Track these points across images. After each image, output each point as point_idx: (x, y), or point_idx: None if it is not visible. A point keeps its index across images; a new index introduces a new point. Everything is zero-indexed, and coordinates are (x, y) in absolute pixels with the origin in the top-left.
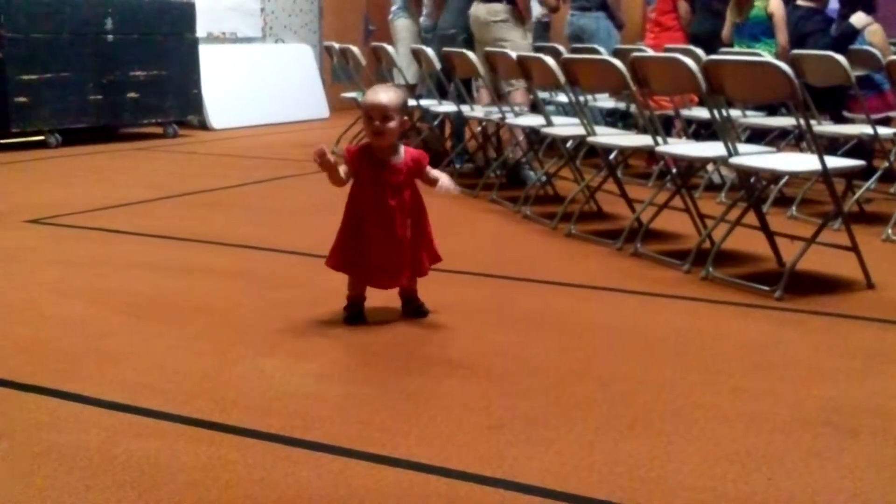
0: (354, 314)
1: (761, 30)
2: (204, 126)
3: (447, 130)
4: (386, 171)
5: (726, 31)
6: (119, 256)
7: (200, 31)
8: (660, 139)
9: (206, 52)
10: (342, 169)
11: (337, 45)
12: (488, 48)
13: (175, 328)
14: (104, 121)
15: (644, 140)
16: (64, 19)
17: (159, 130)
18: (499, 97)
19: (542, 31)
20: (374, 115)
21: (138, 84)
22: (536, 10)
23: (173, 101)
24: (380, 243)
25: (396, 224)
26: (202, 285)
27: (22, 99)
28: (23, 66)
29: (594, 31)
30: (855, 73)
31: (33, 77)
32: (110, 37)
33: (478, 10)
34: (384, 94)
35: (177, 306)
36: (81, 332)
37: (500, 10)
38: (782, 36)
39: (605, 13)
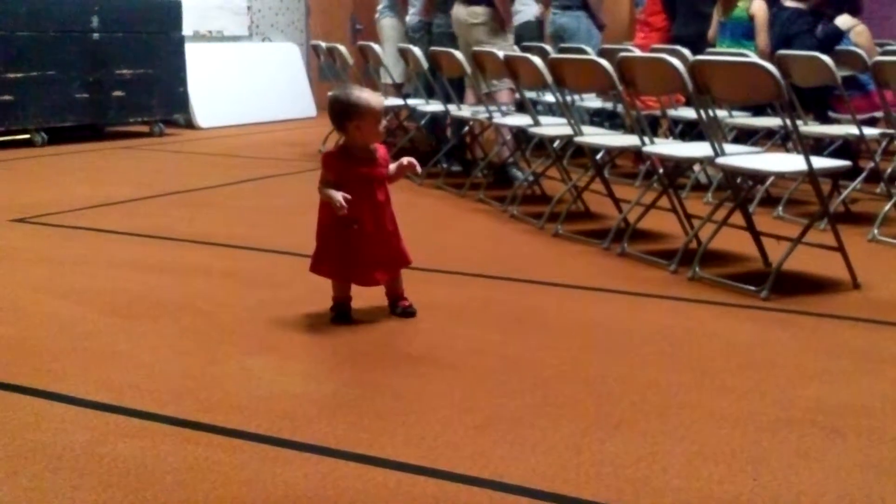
0: (341, 314)
1: (742, 31)
2: (190, 125)
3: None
4: (373, 166)
5: (712, 31)
6: (105, 256)
7: (187, 30)
8: (646, 139)
9: (192, 51)
10: (330, 191)
11: (324, 44)
12: (475, 48)
13: (161, 328)
14: (90, 119)
15: (631, 140)
16: (50, 17)
17: (145, 129)
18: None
19: (538, 29)
20: (381, 117)
21: (124, 82)
22: (533, 9)
23: (159, 99)
24: (372, 239)
25: (386, 217)
26: (188, 285)
27: (7, 97)
28: (8, 64)
29: (574, 30)
30: (841, 74)
31: (19, 75)
32: (96, 35)
33: (459, 12)
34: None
35: (163, 306)
36: (67, 332)
37: (480, 13)
38: (762, 38)
39: (585, 12)
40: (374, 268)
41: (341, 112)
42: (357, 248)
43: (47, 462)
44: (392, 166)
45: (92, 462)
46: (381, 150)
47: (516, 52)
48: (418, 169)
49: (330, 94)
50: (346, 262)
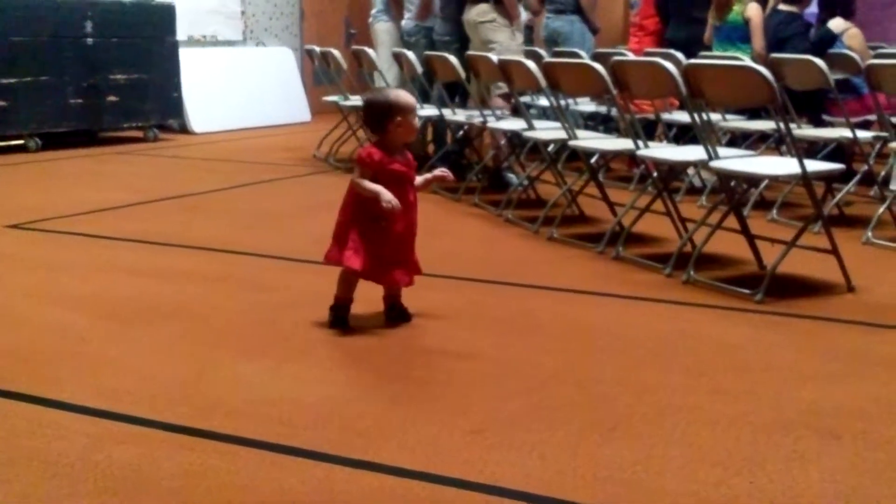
0: (340, 318)
1: (738, 34)
2: (184, 130)
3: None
4: (407, 167)
5: (707, 34)
6: (99, 261)
7: (181, 35)
8: (641, 143)
9: (186, 56)
10: (374, 185)
11: (318, 49)
12: (469, 52)
13: (156, 333)
14: (84, 124)
15: (625, 144)
16: (44, 22)
17: (140, 134)
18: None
19: (527, 34)
20: (413, 114)
21: (119, 87)
22: (523, 16)
23: (154, 104)
24: (401, 239)
25: (415, 219)
26: (183, 290)
27: (1, 102)
28: (2, 70)
29: (568, 34)
30: (834, 77)
31: (13, 80)
32: (90, 40)
33: (469, 14)
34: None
35: (158, 311)
36: (61, 338)
37: (487, 10)
38: (758, 42)
39: (579, 16)
40: (397, 268)
41: (382, 111)
42: (384, 246)
43: (42, 469)
44: (419, 179)
45: (87, 468)
46: (409, 154)
47: (522, 50)
48: (450, 176)
49: (365, 98)
50: (374, 259)
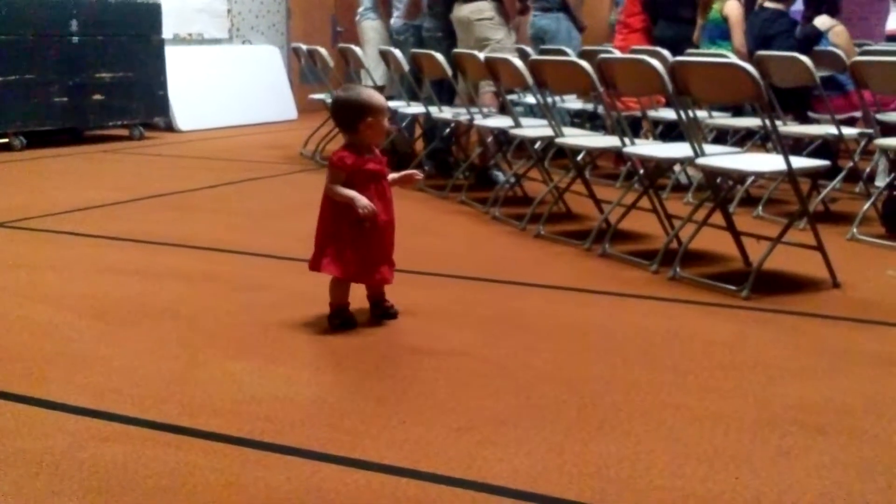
0: (345, 320)
1: (718, 32)
2: (170, 128)
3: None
4: (380, 164)
5: (696, 34)
6: (86, 260)
7: (167, 33)
8: (627, 140)
9: (172, 54)
10: (350, 191)
11: (304, 47)
12: (456, 50)
13: (143, 332)
14: (70, 123)
15: (612, 141)
16: (29, 20)
17: (125, 133)
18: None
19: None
20: (384, 115)
21: (104, 86)
22: None
23: (139, 102)
24: (383, 236)
25: (393, 215)
26: (170, 288)
27: None
28: None
29: (555, 31)
30: (819, 74)
31: None
32: (76, 38)
33: (460, 11)
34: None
35: (144, 310)
36: (47, 337)
37: (486, 7)
38: (738, 39)
39: (565, 14)
40: (383, 265)
41: (355, 111)
42: (368, 246)
43: (27, 467)
44: (392, 175)
45: (72, 467)
46: (377, 151)
47: (515, 48)
48: (419, 176)
49: (335, 96)
50: (359, 262)
